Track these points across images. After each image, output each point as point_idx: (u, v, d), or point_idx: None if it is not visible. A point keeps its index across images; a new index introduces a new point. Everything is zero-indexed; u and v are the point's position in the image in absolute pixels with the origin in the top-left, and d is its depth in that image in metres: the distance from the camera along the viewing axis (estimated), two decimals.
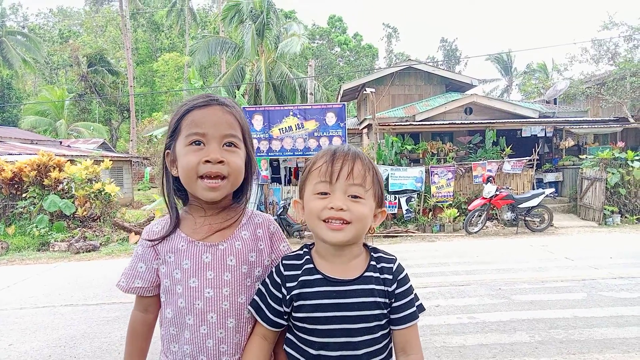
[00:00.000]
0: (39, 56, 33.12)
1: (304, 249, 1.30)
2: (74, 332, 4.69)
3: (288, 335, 1.27)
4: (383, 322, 1.21)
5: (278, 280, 1.25)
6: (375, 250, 1.30)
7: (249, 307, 1.27)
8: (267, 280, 1.27)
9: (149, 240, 1.30)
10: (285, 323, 1.25)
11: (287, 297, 1.22)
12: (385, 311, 1.21)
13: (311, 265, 1.24)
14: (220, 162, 1.21)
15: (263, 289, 1.27)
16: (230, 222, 1.31)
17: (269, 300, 1.24)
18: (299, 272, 1.24)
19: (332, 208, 1.17)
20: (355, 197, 1.19)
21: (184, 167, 1.23)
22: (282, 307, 1.23)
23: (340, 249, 1.22)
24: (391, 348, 1.26)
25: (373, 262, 1.26)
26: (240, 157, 1.27)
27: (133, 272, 1.32)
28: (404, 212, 11.51)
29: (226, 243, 1.28)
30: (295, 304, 1.21)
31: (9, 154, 13.31)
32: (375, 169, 1.24)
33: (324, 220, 1.18)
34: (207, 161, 1.20)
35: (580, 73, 19.52)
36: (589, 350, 3.83)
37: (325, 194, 1.19)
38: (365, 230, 1.22)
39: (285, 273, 1.25)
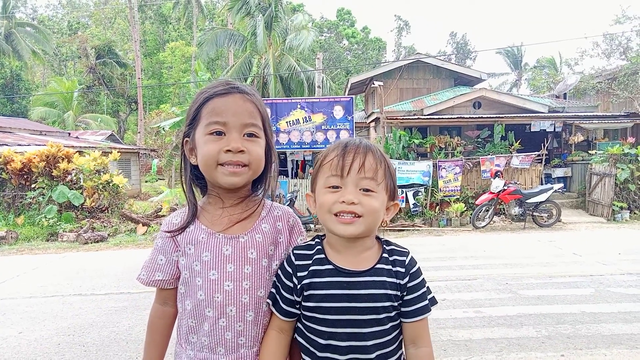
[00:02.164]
0: (48, 48, 33.29)
1: (316, 240, 1.30)
2: (82, 321, 4.74)
3: (298, 324, 1.28)
4: (393, 314, 1.21)
5: (289, 269, 1.25)
6: (388, 242, 1.29)
7: (268, 300, 1.27)
8: (279, 271, 1.28)
9: (167, 232, 1.29)
10: (298, 312, 1.25)
11: (298, 286, 1.22)
12: (395, 303, 1.21)
13: (322, 256, 1.24)
14: (241, 151, 1.20)
15: (276, 280, 1.28)
16: (249, 212, 1.30)
17: (282, 291, 1.25)
18: (310, 261, 1.24)
19: (343, 202, 1.16)
20: (367, 190, 1.18)
21: (204, 156, 1.22)
22: (294, 296, 1.23)
23: (352, 241, 1.22)
24: (401, 339, 1.26)
25: (385, 255, 1.25)
26: (260, 147, 1.26)
27: (153, 265, 1.31)
28: (411, 206, 11.48)
29: (247, 236, 1.27)
30: (305, 294, 1.22)
31: (19, 145, 13.41)
32: (387, 162, 1.24)
33: (335, 214, 1.18)
34: (228, 150, 1.20)
35: (591, 67, 19.30)
36: (596, 345, 3.82)
37: (337, 187, 1.19)
38: (377, 223, 1.22)
39: (297, 262, 1.25)
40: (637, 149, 11.58)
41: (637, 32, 14.96)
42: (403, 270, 1.23)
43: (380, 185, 1.20)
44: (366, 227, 1.18)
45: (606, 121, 14.16)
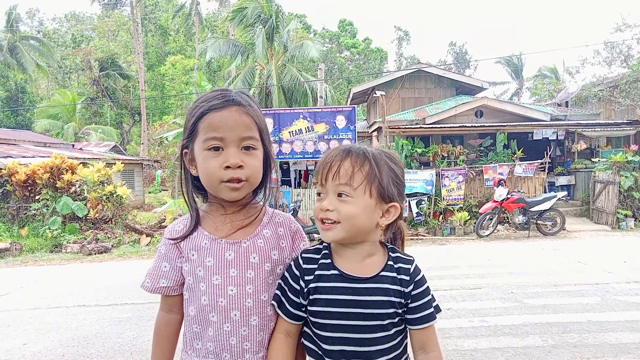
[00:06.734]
0: (52, 60, 33.63)
1: (324, 244, 1.31)
2: (86, 333, 4.73)
3: (305, 328, 1.29)
4: (396, 320, 1.23)
5: (297, 272, 1.27)
6: (394, 250, 1.31)
7: (272, 302, 1.28)
8: (287, 274, 1.29)
9: (171, 239, 1.30)
10: (304, 315, 1.27)
11: (305, 289, 1.24)
12: (399, 311, 1.22)
13: (328, 261, 1.26)
14: (240, 166, 1.22)
15: (282, 283, 1.29)
16: (251, 219, 1.32)
17: (289, 294, 1.26)
18: (316, 265, 1.26)
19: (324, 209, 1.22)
20: (342, 195, 1.21)
21: (206, 174, 1.24)
22: (300, 299, 1.25)
23: (348, 246, 1.25)
24: (406, 344, 1.28)
25: (390, 262, 1.27)
26: (258, 159, 1.28)
27: (157, 272, 1.32)
28: (415, 215, 11.47)
29: (249, 241, 1.29)
30: (311, 297, 1.24)
31: (23, 157, 13.48)
32: (371, 164, 1.21)
33: (321, 220, 1.23)
34: (228, 167, 1.21)
35: (592, 75, 19.34)
36: (603, 354, 3.78)
37: (321, 194, 1.25)
38: (362, 228, 1.22)
39: (304, 266, 1.27)
40: None
41: (638, 40, 15.01)
42: (408, 278, 1.24)
43: (358, 189, 1.20)
44: (346, 232, 1.20)
45: (609, 129, 14.14)
